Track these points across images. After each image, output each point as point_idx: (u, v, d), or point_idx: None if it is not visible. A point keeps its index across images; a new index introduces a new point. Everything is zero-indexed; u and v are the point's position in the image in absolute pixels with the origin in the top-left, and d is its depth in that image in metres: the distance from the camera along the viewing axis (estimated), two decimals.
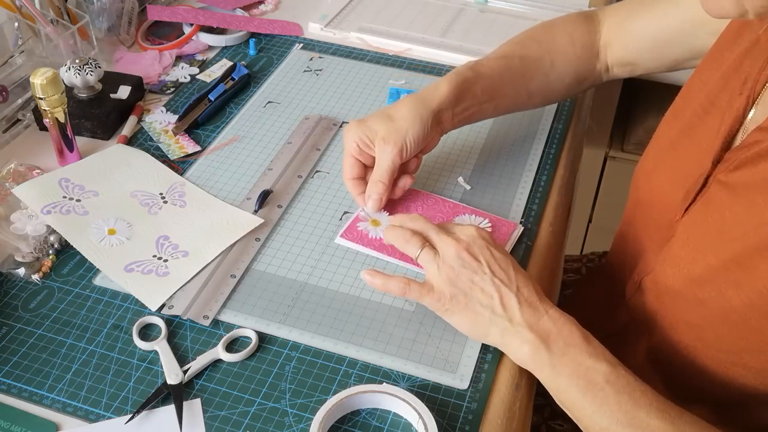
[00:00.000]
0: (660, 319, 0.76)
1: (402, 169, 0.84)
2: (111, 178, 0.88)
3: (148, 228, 0.83)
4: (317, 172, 0.92)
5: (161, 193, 0.87)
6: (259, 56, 1.13)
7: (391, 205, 0.85)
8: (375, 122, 0.82)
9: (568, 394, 0.65)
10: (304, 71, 1.10)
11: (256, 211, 0.86)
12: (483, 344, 0.72)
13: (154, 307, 0.75)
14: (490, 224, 0.83)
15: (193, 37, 1.14)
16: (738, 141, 0.69)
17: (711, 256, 0.68)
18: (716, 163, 0.70)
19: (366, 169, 0.84)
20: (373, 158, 0.83)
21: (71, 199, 0.84)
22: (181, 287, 0.77)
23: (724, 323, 0.67)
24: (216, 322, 0.74)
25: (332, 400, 0.66)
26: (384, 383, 0.68)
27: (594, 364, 0.64)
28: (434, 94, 0.83)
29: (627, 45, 0.93)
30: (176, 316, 0.74)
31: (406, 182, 0.84)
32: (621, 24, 0.93)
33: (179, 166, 0.92)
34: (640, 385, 0.64)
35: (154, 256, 0.80)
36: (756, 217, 0.63)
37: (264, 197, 0.87)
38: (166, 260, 0.79)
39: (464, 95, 0.85)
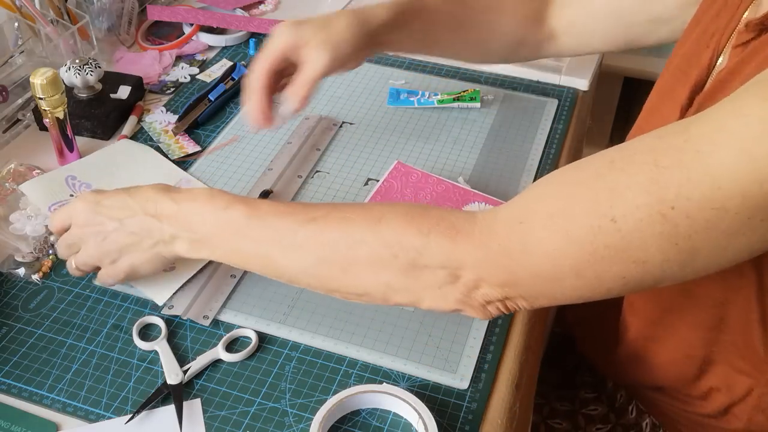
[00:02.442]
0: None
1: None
2: (117, 176, 0.89)
3: None
4: (317, 172, 0.92)
5: None
6: None
7: (401, 191, 0.85)
8: (311, 28, 0.79)
9: (235, 253, 0.68)
10: None
11: None
12: (483, 344, 0.72)
13: (161, 302, 0.75)
14: None
15: (193, 37, 1.15)
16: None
17: None
18: (684, 111, 0.72)
19: (277, 79, 0.81)
20: (292, 66, 0.80)
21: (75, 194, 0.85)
22: (182, 287, 0.77)
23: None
24: (216, 322, 0.74)
25: (332, 400, 0.66)
26: (384, 383, 0.68)
27: (231, 211, 0.66)
28: (374, 16, 0.81)
29: (585, 7, 0.92)
30: (176, 316, 0.74)
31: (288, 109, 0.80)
32: None
33: (179, 166, 0.92)
34: (279, 203, 0.67)
35: None
36: None
37: (264, 197, 0.87)
38: None
39: (404, 22, 0.84)
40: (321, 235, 0.63)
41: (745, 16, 0.69)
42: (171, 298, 0.76)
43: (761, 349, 0.72)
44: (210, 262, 0.79)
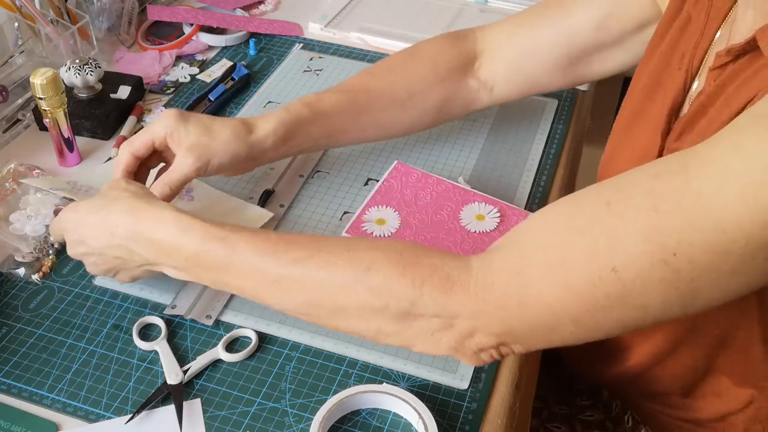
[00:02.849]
0: None
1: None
2: None
3: None
4: (317, 172, 0.92)
5: None
6: (259, 56, 1.13)
7: (400, 191, 0.85)
8: (193, 127, 0.77)
9: (215, 285, 0.66)
10: (304, 71, 1.10)
11: None
12: None
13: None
14: (499, 213, 0.82)
15: (193, 37, 1.14)
16: (684, 113, 0.71)
17: None
18: (665, 136, 0.71)
19: (150, 158, 0.79)
20: (167, 152, 0.79)
21: (79, 190, 0.85)
22: (183, 287, 0.77)
23: None
24: (216, 322, 0.74)
25: (332, 400, 0.66)
26: (384, 383, 0.68)
27: (206, 248, 0.64)
28: (259, 130, 0.79)
29: (526, 51, 0.88)
30: (177, 316, 0.74)
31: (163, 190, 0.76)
32: (519, 31, 0.89)
33: None
34: (258, 236, 0.64)
35: None
36: None
37: (266, 197, 0.87)
38: None
39: (294, 134, 0.81)
40: (306, 279, 0.61)
41: (717, 36, 0.69)
42: (174, 298, 0.76)
43: (762, 366, 0.72)
44: None
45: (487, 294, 0.57)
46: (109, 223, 0.67)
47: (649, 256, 0.52)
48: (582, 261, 0.54)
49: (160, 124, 0.77)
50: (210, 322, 0.74)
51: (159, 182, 0.76)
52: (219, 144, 0.77)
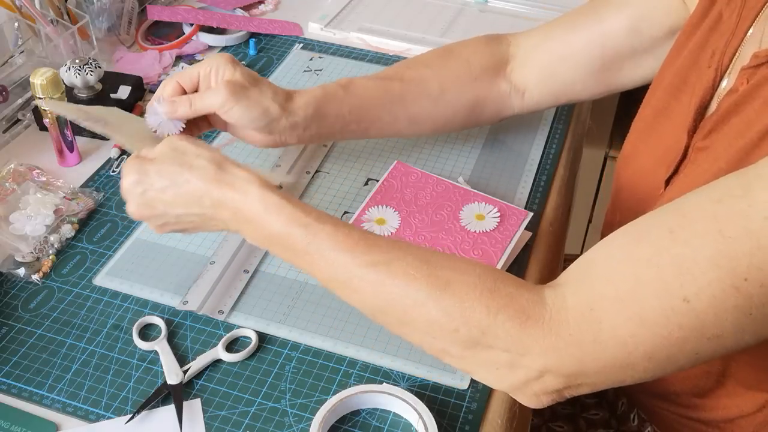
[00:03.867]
0: None
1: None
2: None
3: None
4: (318, 171, 0.93)
5: None
6: (259, 56, 1.13)
7: (400, 191, 0.85)
8: (240, 72, 0.76)
9: (295, 264, 0.66)
10: (304, 71, 1.10)
11: None
12: None
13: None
14: (499, 213, 0.82)
15: (193, 37, 1.14)
16: (711, 111, 0.71)
17: None
18: (692, 134, 0.71)
19: (200, 122, 0.79)
20: (217, 122, 0.78)
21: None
22: (195, 282, 0.77)
23: None
24: (216, 322, 0.74)
25: (332, 400, 0.66)
26: (384, 383, 0.68)
27: (289, 231, 0.63)
28: (296, 101, 0.78)
29: (564, 56, 0.88)
30: (176, 316, 0.74)
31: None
32: (556, 36, 0.88)
33: None
34: (341, 231, 0.62)
35: None
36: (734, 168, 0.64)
37: None
38: None
39: (327, 114, 0.80)
40: (380, 285, 0.60)
41: (749, 34, 0.68)
42: (186, 293, 0.76)
43: None
44: (217, 262, 0.79)
45: (561, 330, 0.56)
46: (192, 192, 0.66)
47: (720, 283, 0.51)
48: (652, 293, 0.53)
49: (209, 61, 0.76)
50: (222, 317, 0.74)
51: (184, 97, 0.75)
52: (256, 93, 0.76)
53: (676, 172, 0.73)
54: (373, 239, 0.63)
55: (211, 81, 0.76)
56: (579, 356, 0.56)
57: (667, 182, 0.74)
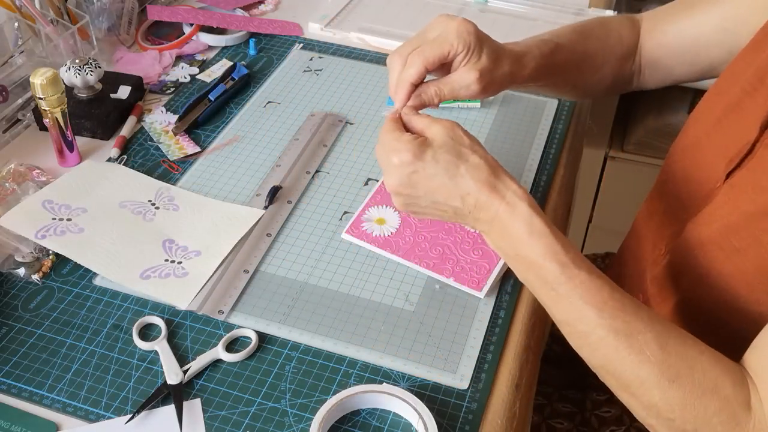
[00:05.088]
0: (687, 281, 0.76)
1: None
2: (93, 194, 0.86)
3: (150, 234, 0.82)
4: (317, 171, 0.93)
5: (150, 200, 0.86)
6: (259, 56, 1.13)
7: None
8: (486, 53, 0.75)
9: (527, 283, 0.68)
10: (304, 71, 1.10)
11: (266, 207, 0.86)
12: (483, 344, 0.72)
13: (184, 306, 0.75)
14: None
15: (193, 37, 1.14)
16: None
17: (748, 204, 0.69)
18: (764, 128, 0.71)
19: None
20: (436, 63, 0.74)
21: (61, 219, 0.82)
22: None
23: (758, 271, 0.68)
24: (216, 322, 0.74)
25: (332, 400, 0.66)
26: (384, 383, 0.68)
27: (543, 264, 0.64)
28: (525, 68, 0.80)
29: (662, 44, 0.91)
30: (176, 316, 0.74)
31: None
32: (658, 25, 0.91)
33: (179, 166, 0.92)
34: (594, 283, 0.63)
35: (166, 260, 0.79)
36: None
37: (274, 193, 0.87)
38: (180, 262, 0.79)
39: (543, 72, 0.83)
40: (614, 353, 0.61)
41: None
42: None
43: None
44: (223, 260, 0.79)
45: None
46: (460, 186, 0.67)
47: None
48: None
49: (461, 39, 0.73)
50: (222, 317, 0.74)
51: (431, 82, 0.74)
52: (498, 77, 0.77)
53: (738, 166, 0.73)
54: (621, 301, 0.63)
55: (458, 58, 0.74)
56: None
57: (728, 176, 0.74)
